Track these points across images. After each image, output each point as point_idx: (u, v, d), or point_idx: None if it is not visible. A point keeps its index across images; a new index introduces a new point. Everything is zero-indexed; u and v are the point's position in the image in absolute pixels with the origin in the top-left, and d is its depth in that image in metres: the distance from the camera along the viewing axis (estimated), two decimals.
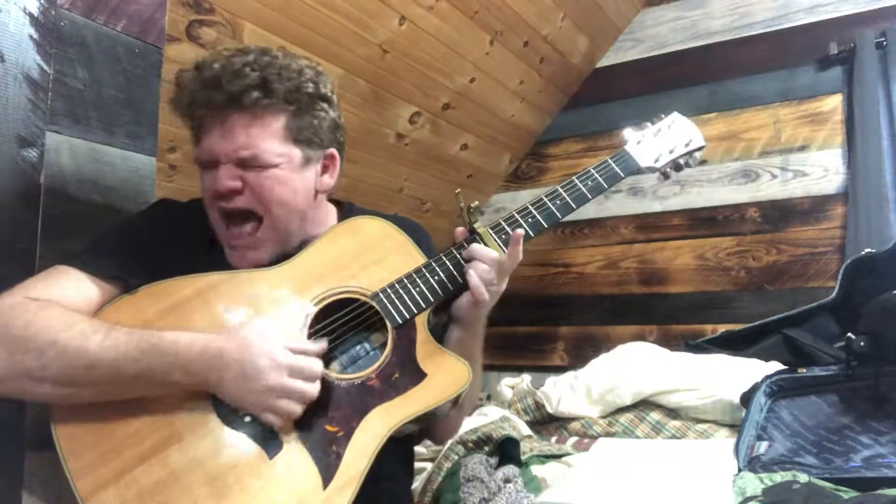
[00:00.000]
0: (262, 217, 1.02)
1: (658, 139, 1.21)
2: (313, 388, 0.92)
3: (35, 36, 1.05)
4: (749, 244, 2.39)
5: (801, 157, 2.33)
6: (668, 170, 1.22)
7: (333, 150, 1.10)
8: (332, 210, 1.17)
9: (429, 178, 2.59)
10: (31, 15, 1.04)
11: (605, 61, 2.77)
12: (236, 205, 1.00)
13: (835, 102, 2.29)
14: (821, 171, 2.29)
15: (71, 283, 0.94)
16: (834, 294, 1.97)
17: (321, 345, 0.96)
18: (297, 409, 0.91)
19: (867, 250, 1.91)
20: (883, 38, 2.16)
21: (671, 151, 1.21)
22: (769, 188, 2.38)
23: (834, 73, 2.29)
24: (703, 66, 2.54)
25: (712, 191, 2.47)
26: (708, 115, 2.50)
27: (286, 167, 1.02)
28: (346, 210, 1.19)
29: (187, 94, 1.00)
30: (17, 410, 1.00)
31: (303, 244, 1.08)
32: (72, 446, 0.87)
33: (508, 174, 2.94)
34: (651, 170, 1.20)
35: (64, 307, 0.90)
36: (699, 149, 1.24)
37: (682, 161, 1.22)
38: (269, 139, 1.00)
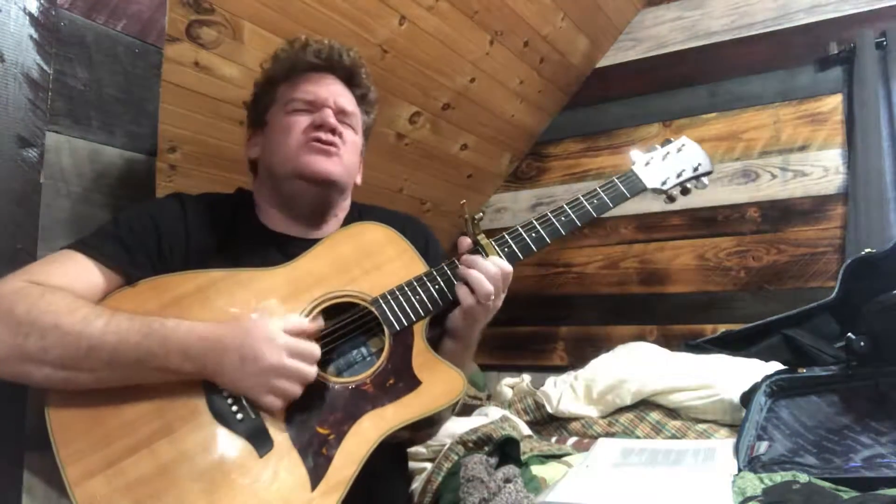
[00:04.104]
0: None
1: (666, 162, 1.21)
2: (311, 370, 0.92)
3: (35, 36, 1.05)
4: (749, 244, 2.39)
5: (801, 157, 2.33)
6: (675, 193, 1.22)
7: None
8: None
9: (429, 178, 2.58)
10: (31, 15, 1.04)
11: (605, 61, 2.76)
12: (332, 140, 1.12)
13: (835, 102, 2.29)
14: (821, 171, 2.29)
15: (75, 269, 0.94)
16: (834, 294, 1.97)
17: (318, 324, 0.97)
18: (296, 390, 0.91)
19: (867, 250, 1.90)
20: (883, 38, 2.16)
21: (679, 175, 1.21)
22: (769, 188, 2.38)
23: (834, 73, 2.29)
24: (703, 66, 2.53)
25: (712, 191, 2.46)
26: (708, 115, 2.50)
27: (359, 145, 1.22)
28: (353, 210, 1.24)
29: (288, 58, 1.17)
30: (17, 410, 1.00)
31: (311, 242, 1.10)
32: (63, 433, 0.87)
33: (508, 174, 2.95)
34: (657, 191, 1.20)
35: (68, 293, 0.90)
36: (707, 173, 1.24)
37: (689, 185, 1.23)
38: (356, 111, 1.20)
